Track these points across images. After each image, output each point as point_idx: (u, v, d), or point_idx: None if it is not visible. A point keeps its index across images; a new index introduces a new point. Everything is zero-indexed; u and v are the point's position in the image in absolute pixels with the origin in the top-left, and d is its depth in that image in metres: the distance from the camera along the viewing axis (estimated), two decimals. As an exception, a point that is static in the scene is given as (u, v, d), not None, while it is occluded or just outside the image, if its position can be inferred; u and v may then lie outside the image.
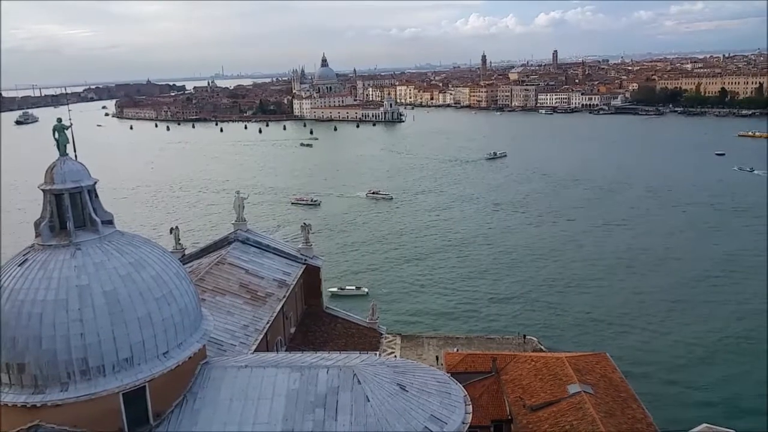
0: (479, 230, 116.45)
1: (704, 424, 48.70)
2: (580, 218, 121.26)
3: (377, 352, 35.81)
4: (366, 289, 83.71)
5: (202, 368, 23.80)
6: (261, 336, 33.05)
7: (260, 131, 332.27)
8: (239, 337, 31.99)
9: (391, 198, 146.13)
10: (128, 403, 21.24)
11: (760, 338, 66.60)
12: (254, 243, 43.74)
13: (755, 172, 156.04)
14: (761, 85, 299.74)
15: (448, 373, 33.49)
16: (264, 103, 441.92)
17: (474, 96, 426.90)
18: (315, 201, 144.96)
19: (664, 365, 61.38)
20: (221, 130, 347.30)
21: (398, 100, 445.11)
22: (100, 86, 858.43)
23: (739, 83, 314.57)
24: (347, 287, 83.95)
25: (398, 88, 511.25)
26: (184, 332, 23.04)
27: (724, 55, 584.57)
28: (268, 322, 34.67)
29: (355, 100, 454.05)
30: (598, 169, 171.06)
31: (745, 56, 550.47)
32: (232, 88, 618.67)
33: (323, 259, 49.46)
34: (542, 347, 60.88)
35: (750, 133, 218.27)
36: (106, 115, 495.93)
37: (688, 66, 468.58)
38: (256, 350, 31.14)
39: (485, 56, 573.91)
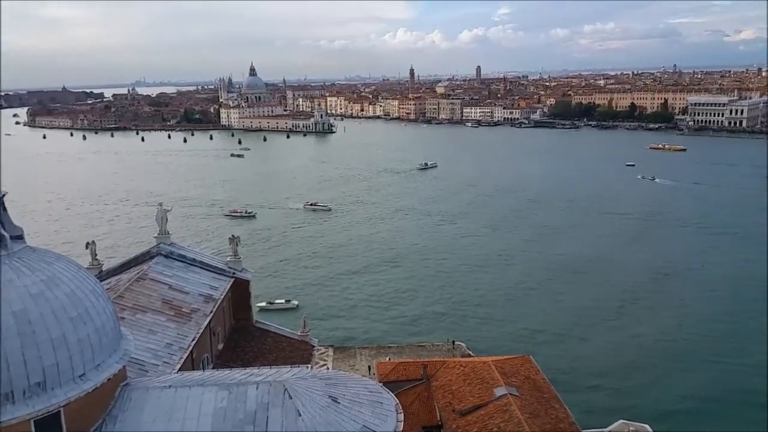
0: (411, 240, 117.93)
1: (621, 421, 51.21)
2: (505, 228, 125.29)
3: (309, 365, 35.43)
4: (296, 302, 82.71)
5: (122, 390, 22.69)
6: (186, 354, 31.93)
7: (185, 141, 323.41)
8: (162, 357, 30.76)
9: (330, 209, 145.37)
10: (41, 430, 19.94)
11: (674, 340, 70.95)
12: (178, 257, 42.30)
13: (656, 180, 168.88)
14: (666, 100, 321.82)
15: (380, 382, 33.57)
16: (189, 111, 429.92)
17: (403, 108, 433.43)
18: (250, 213, 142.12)
19: (583, 367, 64.13)
20: (143, 140, 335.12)
21: (329, 111, 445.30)
22: (11, 93, 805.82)
23: (646, 99, 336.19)
24: (277, 301, 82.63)
25: (328, 99, 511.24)
26: (102, 353, 21.92)
27: (633, 72, 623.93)
28: (193, 340, 33.55)
29: (285, 110, 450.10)
30: (522, 180, 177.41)
31: (652, 74, 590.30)
32: (154, 95, 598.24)
33: (253, 272, 48.54)
34: (470, 352, 62.08)
35: (660, 146, 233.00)
36: (17, 123, 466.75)
37: (601, 82, 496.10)
38: (181, 369, 30.04)
39: (413, 70, 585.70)
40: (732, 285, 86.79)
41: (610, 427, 50.59)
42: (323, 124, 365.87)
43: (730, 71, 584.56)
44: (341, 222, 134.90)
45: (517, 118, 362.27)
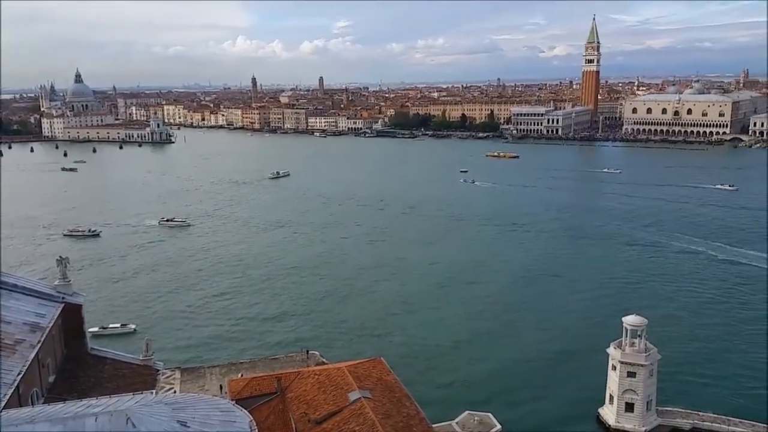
0: (263, 252, 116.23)
1: (467, 412, 55.04)
2: (354, 235, 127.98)
3: (153, 391, 33.55)
4: (134, 326, 77.76)
5: (-70, 439, 19.93)
6: (11, 390, 28.71)
7: (1, 154, 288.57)
8: (-19, 396, 27.36)
9: (188, 225, 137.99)
10: None
11: (511, 334, 77.39)
12: (-5, 284, 37.72)
13: (476, 183, 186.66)
14: (492, 111, 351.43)
15: (232, 400, 32.79)
16: (5, 122, 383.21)
17: (247, 118, 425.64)
18: (94, 231, 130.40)
19: (431, 363, 67.88)
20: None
21: (166, 120, 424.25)
22: None
23: (475, 110, 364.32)
24: (111, 325, 77.02)
25: (166, 107, 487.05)
26: None
27: (462, 85, 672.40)
28: (19, 374, 30.24)
29: (116, 119, 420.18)
30: (371, 187, 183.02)
31: (479, 87, 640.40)
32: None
33: (85, 295, 44.75)
34: (324, 360, 62.56)
35: (496, 153, 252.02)
36: None
37: (435, 94, 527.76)
38: (6, 407, 26.95)
39: (255, 79, 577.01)
40: (547, 280, 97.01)
41: (457, 419, 54.15)
42: (161, 133, 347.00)
43: (546, 84, 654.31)
44: (196, 238, 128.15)
45: (361, 128, 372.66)
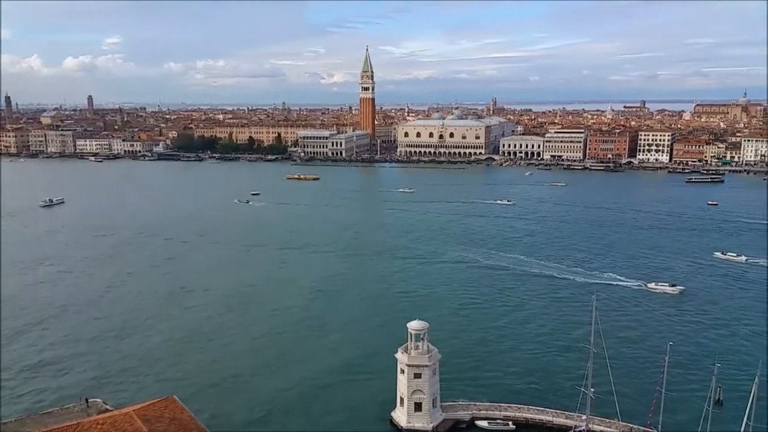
0: (26, 291, 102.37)
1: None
2: (129, 267, 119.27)
3: None
4: None
5: None
6: None
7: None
8: None
9: None
10: None
11: (304, 353, 78.52)
12: None
13: (250, 203, 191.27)
14: (279, 134, 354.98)
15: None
16: None
17: (1, 141, 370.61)
18: None
19: (226, 394, 66.25)
20: None
21: None
22: None
23: (262, 132, 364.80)
24: None
25: None
26: None
27: (248, 108, 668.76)
28: None
29: None
30: (155, 214, 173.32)
31: (264, 110, 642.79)
32: None
33: None
34: (108, 407, 57.25)
35: (297, 176, 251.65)
36: None
37: (220, 116, 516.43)
38: None
39: (9, 97, 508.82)
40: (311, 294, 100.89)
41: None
42: None
43: (328, 109, 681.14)
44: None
45: (140, 151, 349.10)
